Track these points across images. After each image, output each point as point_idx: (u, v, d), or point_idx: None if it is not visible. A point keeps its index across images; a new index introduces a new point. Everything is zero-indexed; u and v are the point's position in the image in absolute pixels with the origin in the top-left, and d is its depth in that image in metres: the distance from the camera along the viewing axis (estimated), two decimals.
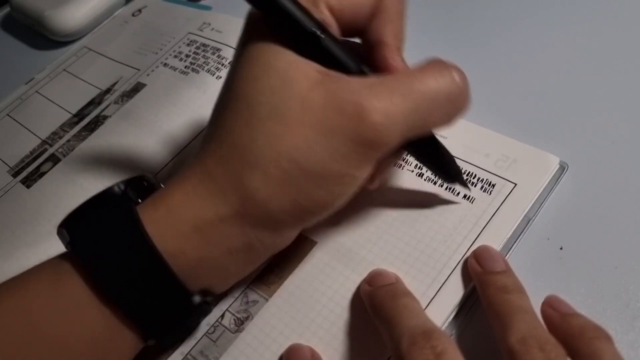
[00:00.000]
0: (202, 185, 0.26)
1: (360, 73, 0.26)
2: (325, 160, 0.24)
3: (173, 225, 0.25)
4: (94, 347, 0.25)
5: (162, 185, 0.29)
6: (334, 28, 0.26)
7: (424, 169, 0.33)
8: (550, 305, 0.25)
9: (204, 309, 0.28)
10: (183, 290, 0.26)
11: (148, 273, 0.25)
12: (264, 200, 0.25)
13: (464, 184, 0.30)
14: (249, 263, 0.28)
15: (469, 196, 0.31)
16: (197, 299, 0.27)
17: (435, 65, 0.26)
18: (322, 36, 0.25)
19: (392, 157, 0.27)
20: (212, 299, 0.29)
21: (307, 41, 0.25)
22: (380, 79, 0.25)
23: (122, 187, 0.28)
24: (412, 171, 0.33)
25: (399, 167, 0.33)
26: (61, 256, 0.27)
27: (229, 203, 0.25)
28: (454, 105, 0.26)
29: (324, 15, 0.26)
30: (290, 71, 0.25)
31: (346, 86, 0.24)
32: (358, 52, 0.27)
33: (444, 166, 0.29)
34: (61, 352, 0.25)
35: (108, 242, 0.25)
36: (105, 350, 0.26)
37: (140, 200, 0.27)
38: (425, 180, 0.32)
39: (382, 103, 0.24)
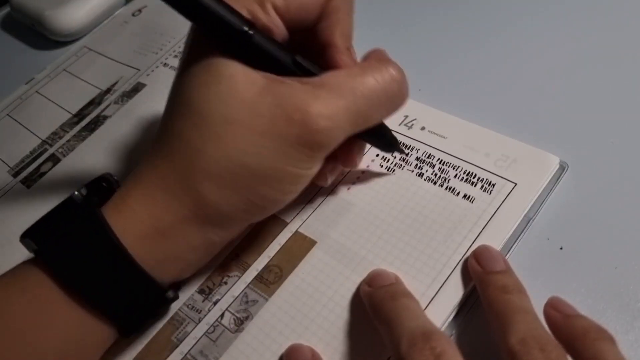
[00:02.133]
0: (158, 190, 0.27)
1: (296, 64, 0.27)
2: (275, 163, 0.26)
3: (137, 229, 0.27)
4: (69, 345, 0.26)
5: (117, 180, 0.31)
6: (281, 28, 0.27)
7: (424, 169, 0.33)
8: (553, 307, 0.25)
9: (174, 298, 0.30)
10: (157, 288, 0.27)
11: (123, 276, 0.26)
12: (219, 203, 0.26)
13: (401, 150, 0.32)
14: (209, 254, 0.30)
15: (469, 195, 0.31)
16: (170, 294, 0.28)
17: (375, 63, 0.27)
18: (252, 33, 0.25)
19: (339, 156, 0.30)
20: (179, 289, 0.30)
21: (239, 40, 0.25)
22: (323, 80, 0.26)
23: (84, 192, 0.29)
24: (412, 171, 0.33)
25: (399, 168, 0.33)
26: (29, 263, 0.27)
27: (186, 206, 0.27)
28: (394, 102, 0.28)
29: (270, 16, 0.27)
30: (238, 78, 0.26)
31: (292, 91, 0.25)
32: (305, 46, 0.28)
33: (384, 139, 0.31)
34: (36, 353, 0.26)
35: (78, 249, 0.26)
36: (80, 347, 0.27)
37: (101, 202, 0.28)
38: (425, 180, 0.32)
39: (327, 108, 0.25)
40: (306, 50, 0.28)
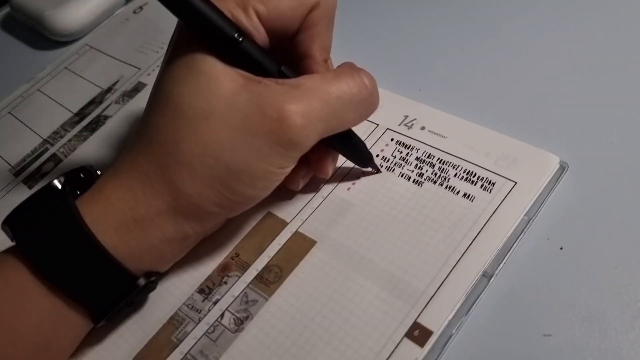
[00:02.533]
0: (135, 182, 0.28)
1: (280, 74, 0.27)
2: (249, 159, 0.26)
3: (113, 219, 0.27)
4: (41, 331, 0.27)
5: (98, 173, 0.32)
6: (262, 34, 0.28)
7: (424, 168, 0.33)
8: None
9: (150, 287, 0.30)
10: (128, 275, 0.28)
11: (93, 264, 0.27)
12: (193, 195, 0.27)
13: (375, 167, 0.33)
14: (184, 248, 0.30)
15: (469, 194, 0.31)
16: (141, 281, 0.29)
17: (348, 70, 0.28)
18: (240, 39, 0.26)
19: (312, 158, 0.31)
20: (155, 277, 0.30)
21: (227, 45, 0.26)
22: (299, 82, 0.27)
23: (62, 180, 0.30)
24: (412, 171, 0.33)
25: (399, 167, 0.33)
26: (5, 251, 0.28)
27: (162, 198, 0.27)
28: (365, 107, 0.29)
29: (253, 21, 0.27)
30: (217, 74, 0.26)
31: (268, 90, 0.26)
32: (285, 53, 0.29)
33: (357, 153, 0.32)
34: (8, 336, 0.26)
35: (51, 236, 0.27)
36: (53, 333, 0.27)
37: (79, 192, 0.29)
38: (425, 179, 0.32)
39: (302, 107, 0.26)
40: (284, 58, 0.28)
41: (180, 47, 0.27)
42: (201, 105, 0.26)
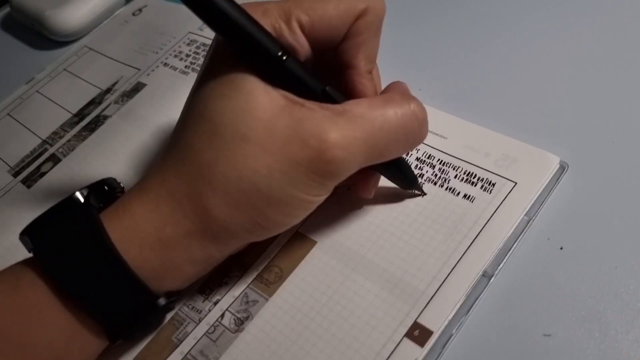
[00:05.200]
0: (163, 201, 0.27)
1: (324, 94, 0.26)
2: (284, 186, 0.25)
3: (137, 238, 0.26)
4: (55, 348, 0.26)
5: (122, 185, 0.31)
6: (305, 48, 0.27)
7: (424, 169, 0.33)
8: None
9: (169, 308, 0.29)
10: (149, 295, 0.27)
11: (115, 281, 0.26)
12: (223, 219, 0.26)
13: (419, 189, 0.32)
14: (208, 267, 0.29)
15: (469, 195, 0.31)
16: (162, 301, 0.28)
17: (398, 97, 0.27)
18: (285, 58, 0.25)
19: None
20: (175, 298, 0.29)
21: (270, 64, 0.25)
22: (345, 108, 0.26)
23: (85, 193, 0.28)
24: None
25: None
26: (23, 262, 0.27)
27: (190, 220, 0.26)
28: (412, 140, 0.28)
29: (296, 34, 0.26)
30: (257, 94, 0.25)
31: (310, 116, 0.25)
32: (328, 66, 0.28)
33: (401, 176, 0.31)
34: (22, 353, 0.26)
35: (73, 250, 0.26)
36: (67, 351, 0.27)
37: (102, 205, 0.28)
38: (425, 180, 0.32)
39: (343, 138, 0.25)
40: (325, 67, 0.27)
41: (219, 61, 0.26)
42: (239, 127, 0.25)
